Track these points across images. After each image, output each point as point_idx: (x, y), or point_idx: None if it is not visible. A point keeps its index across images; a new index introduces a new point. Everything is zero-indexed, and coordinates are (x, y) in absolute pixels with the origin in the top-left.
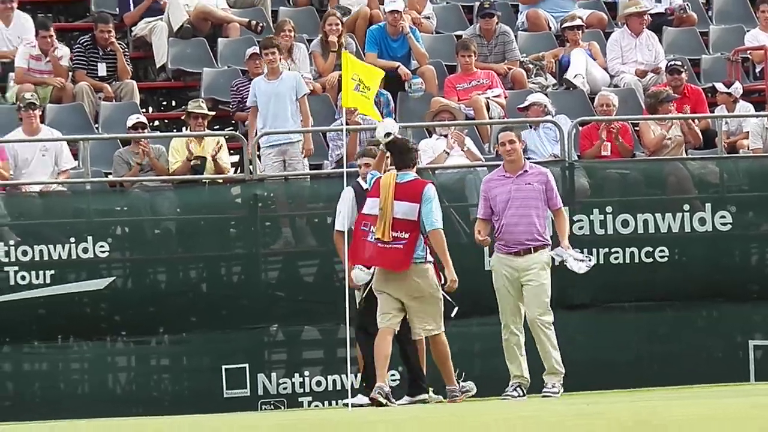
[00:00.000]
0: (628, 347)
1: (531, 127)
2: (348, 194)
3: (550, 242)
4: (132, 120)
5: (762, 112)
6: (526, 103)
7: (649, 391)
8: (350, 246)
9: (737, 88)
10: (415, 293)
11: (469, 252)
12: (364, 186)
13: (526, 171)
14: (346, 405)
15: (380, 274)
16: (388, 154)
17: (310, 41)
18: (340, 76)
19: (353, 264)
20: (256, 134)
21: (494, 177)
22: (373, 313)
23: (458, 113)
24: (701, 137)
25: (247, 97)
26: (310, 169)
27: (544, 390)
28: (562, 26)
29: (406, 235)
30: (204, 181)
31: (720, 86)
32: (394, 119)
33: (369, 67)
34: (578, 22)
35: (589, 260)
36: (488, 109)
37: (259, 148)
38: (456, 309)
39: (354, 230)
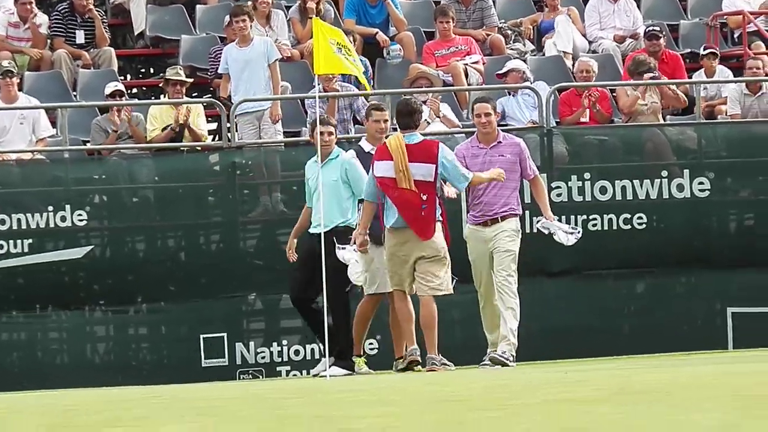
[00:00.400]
0: (606, 315)
1: (509, 94)
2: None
3: (520, 211)
4: (110, 88)
5: (740, 78)
6: (505, 70)
7: (627, 358)
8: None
9: None
10: (429, 253)
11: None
12: (366, 149)
13: (500, 142)
14: (317, 375)
15: (398, 236)
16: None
17: (288, 8)
18: None
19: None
20: (230, 101)
21: (467, 147)
22: (311, 280)
23: (436, 80)
24: (686, 100)
25: None
26: (286, 136)
27: (492, 354)
28: None
29: (426, 197)
30: (182, 149)
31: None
32: (373, 86)
33: (338, 32)
34: None
35: (578, 232)
36: (467, 75)
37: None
38: (455, 280)
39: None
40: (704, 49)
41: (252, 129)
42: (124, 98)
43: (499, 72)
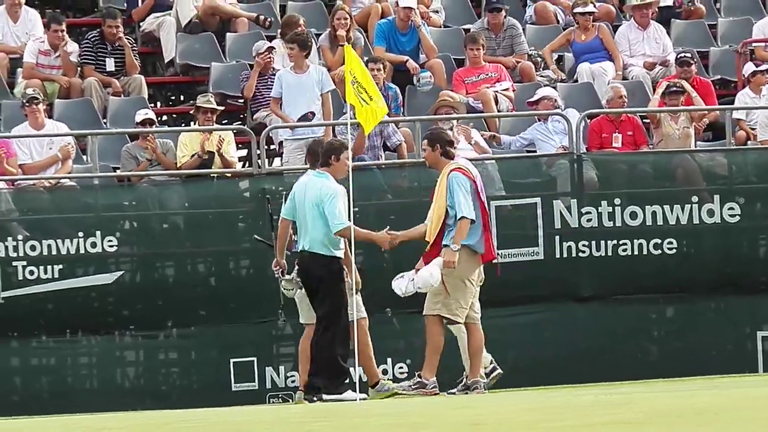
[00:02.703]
0: (636, 339)
1: (540, 120)
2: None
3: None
4: (140, 116)
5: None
6: (536, 98)
7: (658, 382)
8: (484, 237)
9: None
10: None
11: None
12: None
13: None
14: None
15: (477, 263)
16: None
17: (318, 35)
18: None
19: (488, 259)
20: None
21: None
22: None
23: (459, 106)
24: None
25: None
26: None
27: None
28: (573, 11)
29: None
30: (212, 175)
31: (750, 66)
32: (403, 113)
33: (367, 76)
34: (590, 8)
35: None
36: (497, 102)
37: (281, 144)
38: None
39: (484, 221)
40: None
41: (300, 155)
42: (154, 126)
43: (530, 100)
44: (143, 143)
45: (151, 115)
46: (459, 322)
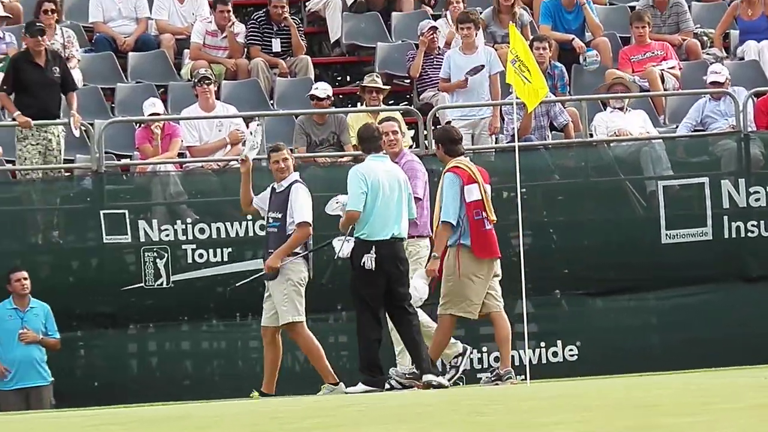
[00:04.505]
0: None
1: (708, 99)
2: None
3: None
4: (311, 90)
5: None
6: (713, 79)
7: None
8: (473, 238)
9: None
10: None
11: (643, 225)
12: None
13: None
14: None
15: (481, 260)
16: (434, 146)
17: (481, 13)
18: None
19: (486, 256)
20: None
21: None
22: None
23: (632, 85)
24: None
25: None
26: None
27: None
28: None
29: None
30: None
31: None
32: (569, 92)
33: (529, 55)
34: None
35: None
36: (663, 80)
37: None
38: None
39: (470, 221)
40: None
41: (466, 135)
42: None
43: (714, 80)
44: (319, 119)
45: (327, 89)
46: (473, 318)
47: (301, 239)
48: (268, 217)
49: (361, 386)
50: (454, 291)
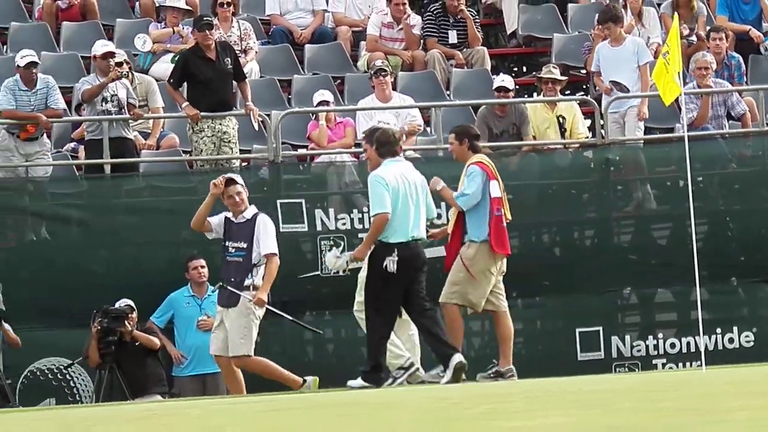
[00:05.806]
0: None
1: None
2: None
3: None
4: (497, 83)
5: None
6: None
7: None
8: (492, 233)
9: None
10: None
11: None
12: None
13: None
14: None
15: (495, 256)
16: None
17: (659, 5)
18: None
19: (502, 251)
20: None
21: None
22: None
23: None
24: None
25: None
26: (660, 133)
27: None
28: None
29: None
30: (566, 146)
31: None
32: (746, 81)
33: (677, 49)
34: None
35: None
36: None
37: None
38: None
39: (492, 216)
40: None
41: (617, 126)
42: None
43: None
44: (500, 111)
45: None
46: (477, 311)
47: (275, 270)
48: (228, 246)
49: (359, 381)
50: (465, 282)
